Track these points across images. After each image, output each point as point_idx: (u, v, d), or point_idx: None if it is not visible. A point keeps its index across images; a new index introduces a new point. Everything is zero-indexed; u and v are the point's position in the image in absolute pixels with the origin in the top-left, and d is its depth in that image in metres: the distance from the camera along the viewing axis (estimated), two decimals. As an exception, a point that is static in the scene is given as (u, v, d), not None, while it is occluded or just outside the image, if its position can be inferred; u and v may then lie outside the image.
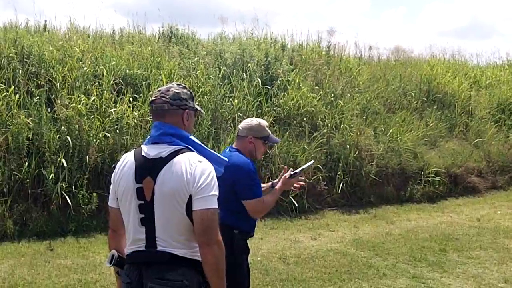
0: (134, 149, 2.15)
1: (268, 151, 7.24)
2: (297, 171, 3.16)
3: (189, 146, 2.06)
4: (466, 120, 10.25)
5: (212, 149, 2.27)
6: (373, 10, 40.36)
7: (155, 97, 2.10)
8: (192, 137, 2.11)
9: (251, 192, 2.94)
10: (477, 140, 9.81)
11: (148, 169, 1.99)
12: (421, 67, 11.43)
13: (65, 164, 6.11)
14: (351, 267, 5.08)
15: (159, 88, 2.15)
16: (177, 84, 2.16)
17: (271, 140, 3.18)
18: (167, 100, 2.07)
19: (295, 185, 3.18)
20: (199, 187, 1.93)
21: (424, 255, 5.50)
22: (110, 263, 2.12)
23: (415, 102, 10.03)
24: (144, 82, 7.53)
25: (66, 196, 5.99)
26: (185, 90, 2.14)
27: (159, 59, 8.28)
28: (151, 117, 2.50)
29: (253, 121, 3.15)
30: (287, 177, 3.12)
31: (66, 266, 4.95)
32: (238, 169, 2.90)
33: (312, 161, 4.00)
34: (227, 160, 2.22)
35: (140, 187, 1.99)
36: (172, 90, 2.10)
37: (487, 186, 9.10)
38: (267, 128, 3.14)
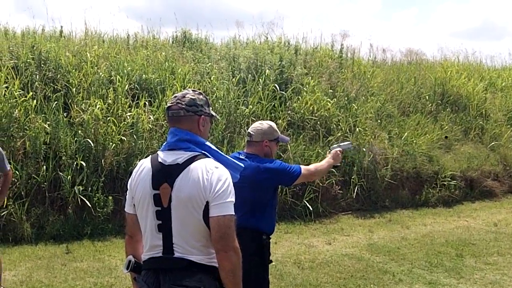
0: (150, 155, 2.16)
1: (281, 154, 7.24)
2: (334, 145, 3.58)
3: (205, 152, 2.07)
4: (481, 123, 10.12)
5: (226, 154, 2.28)
6: (384, 11, 40.07)
7: (171, 103, 2.12)
8: (208, 143, 2.11)
9: (292, 170, 3.15)
10: (493, 143, 9.68)
11: (165, 176, 2.00)
12: (435, 70, 11.33)
13: (84, 166, 6.19)
14: (366, 273, 5.05)
15: (175, 95, 2.16)
16: (192, 90, 2.17)
17: (281, 139, 3.33)
18: (183, 106, 2.08)
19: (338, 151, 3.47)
20: (216, 193, 1.93)
21: (440, 261, 5.43)
22: (127, 268, 2.13)
23: (430, 105, 9.94)
24: (158, 87, 7.60)
25: (84, 199, 6.06)
26: (201, 96, 2.15)
27: (173, 64, 8.35)
28: (166, 122, 2.54)
29: (264, 124, 3.24)
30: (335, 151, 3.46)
31: (82, 269, 5.00)
32: (272, 172, 3.09)
33: (349, 142, 4.09)
34: (243, 166, 2.23)
35: (157, 193, 2.00)
36: (188, 96, 2.11)
37: (504, 190, 8.98)
38: (277, 129, 3.28)
